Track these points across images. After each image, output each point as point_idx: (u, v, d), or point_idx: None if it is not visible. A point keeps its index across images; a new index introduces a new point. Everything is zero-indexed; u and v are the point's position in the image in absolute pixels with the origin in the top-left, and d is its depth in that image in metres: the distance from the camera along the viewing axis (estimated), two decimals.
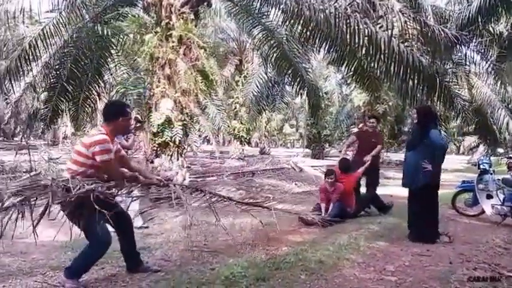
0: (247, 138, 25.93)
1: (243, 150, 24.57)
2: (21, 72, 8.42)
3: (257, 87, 14.30)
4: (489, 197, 7.28)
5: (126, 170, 3.91)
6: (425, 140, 5.65)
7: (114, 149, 3.75)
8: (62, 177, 3.62)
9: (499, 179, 7.35)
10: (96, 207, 3.28)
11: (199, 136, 21.85)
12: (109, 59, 9.79)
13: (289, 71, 10.73)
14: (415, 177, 5.71)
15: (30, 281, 3.79)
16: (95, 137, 3.60)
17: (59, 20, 8.40)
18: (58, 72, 9.37)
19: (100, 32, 8.72)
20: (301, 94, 11.77)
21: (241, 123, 23.61)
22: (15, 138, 28.40)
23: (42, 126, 10.29)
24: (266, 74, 13.46)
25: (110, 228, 3.79)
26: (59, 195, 3.29)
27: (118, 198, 4.12)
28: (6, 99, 14.32)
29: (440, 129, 6.26)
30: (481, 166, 7.67)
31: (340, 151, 33.18)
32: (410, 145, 6.10)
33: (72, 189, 3.29)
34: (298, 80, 10.92)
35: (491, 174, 7.48)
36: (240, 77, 23.02)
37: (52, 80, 9.57)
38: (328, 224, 6.61)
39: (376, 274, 4.16)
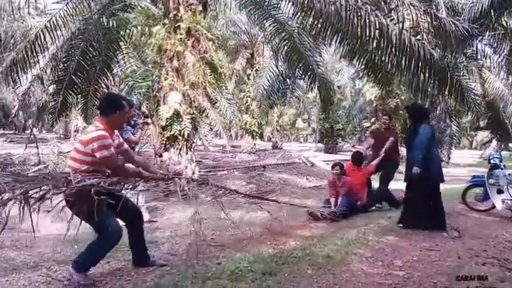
0: (259, 132, 25.88)
1: (254, 144, 24.52)
2: (28, 64, 8.40)
3: (268, 80, 14.20)
4: (500, 191, 7.22)
5: (129, 165, 3.88)
6: (417, 136, 5.96)
7: (115, 143, 3.70)
8: (65, 172, 3.60)
9: (509, 174, 7.27)
10: (102, 200, 3.23)
11: (211, 130, 21.88)
12: (117, 51, 9.75)
13: (300, 64, 10.63)
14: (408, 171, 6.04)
15: (35, 275, 3.78)
16: (92, 134, 3.52)
17: (66, 11, 8.34)
18: (66, 65, 9.35)
19: (108, 24, 8.70)
20: (312, 88, 11.68)
21: (253, 117, 23.56)
22: (26, 132, 28.65)
23: (51, 119, 10.26)
24: (277, 67, 13.36)
25: (121, 222, 3.78)
26: (59, 186, 3.23)
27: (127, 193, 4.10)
28: (14, 91, 14.42)
29: (429, 125, 6.29)
30: (492, 161, 7.63)
31: (353, 146, 33.23)
32: (407, 143, 6.35)
33: (72, 181, 3.23)
34: (309, 73, 10.82)
35: (502, 169, 7.41)
36: (251, 70, 22.91)
37: (60, 73, 9.55)
38: (337, 219, 6.59)
39: (384, 269, 4.12)
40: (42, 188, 3.12)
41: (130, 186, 3.77)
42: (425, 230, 5.84)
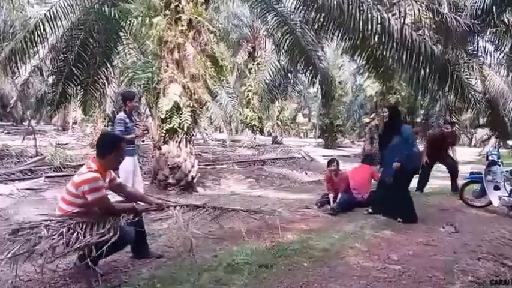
0: (260, 126, 25.87)
1: (254, 138, 24.52)
2: (27, 55, 8.34)
3: (269, 75, 14.20)
4: (497, 188, 7.26)
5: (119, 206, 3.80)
6: (400, 135, 6.39)
7: (106, 183, 3.68)
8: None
9: (507, 171, 7.30)
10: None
11: (211, 123, 21.84)
12: (117, 43, 9.69)
13: (302, 59, 10.61)
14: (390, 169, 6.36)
15: (29, 265, 3.76)
16: (83, 176, 3.49)
17: (66, 1, 8.26)
18: (65, 56, 9.30)
19: (108, 14, 8.64)
20: (313, 83, 11.66)
21: (254, 111, 23.54)
22: (24, 123, 28.63)
23: (49, 110, 10.21)
24: (279, 61, 13.35)
25: None
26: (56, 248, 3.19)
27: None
28: (13, 82, 14.37)
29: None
30: (490, 157, 7.68)
31: (353, 141, 33.04)
32: (384, 141, 6.83)
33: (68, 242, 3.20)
34: (310, 67, 10.80)
35: (499, 165, 7.45)
36: (253, 64, 22.85)
37: (59, 64, 9.51)
38: (335, 213, 6.65)
39: (380, 263, 4.14)
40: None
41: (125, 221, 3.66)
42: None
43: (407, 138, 6.37)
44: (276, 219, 6.01)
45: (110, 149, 3.66)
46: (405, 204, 6.37)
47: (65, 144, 16.26)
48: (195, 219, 4.32)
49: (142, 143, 12.19)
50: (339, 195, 7.11)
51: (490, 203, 7.46)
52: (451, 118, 15.92)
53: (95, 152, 3.74)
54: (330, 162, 7.48)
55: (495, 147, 10.94)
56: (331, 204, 6.98)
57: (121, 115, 6.56)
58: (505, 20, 9.77)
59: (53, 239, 3.11)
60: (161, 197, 5.08)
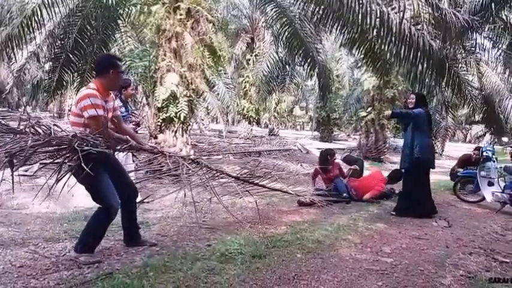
0: (256, 118, 25.84)
1: (251, 130, 24.51)
2: (24, 40, 8.25)
3: (268, 66, 14.12)
4: (490, 184, 7.35)
5: (114, 133, 3.71)
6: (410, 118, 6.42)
7: (109, 105, 3.64)
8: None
9: (501, 167, 7.36)
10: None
11: (208, 114, 21.80)
12: (115, 30, 9.60)
13: (300, 51, 10.55)
14: (409, 156, 6.30)
15: (21, 251, 3.79)
16: (81, 93, 3.46)
17: None
18: (63, 42, 9.20)
19: (106, 1, 8.57)
20: (311, 75, 11.63)
21: (251, 103, 23.49)
22: (19, 109, 28.49)
23: (46, 97, 10.12)
24: (277, 53, 13.28)
25: None
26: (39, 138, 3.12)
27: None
28: (9, 67, 14.28)
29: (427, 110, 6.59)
30: (484, 153, 7.73)
31: (349, 135, 33.01)
32: (404, 128, 6.80)
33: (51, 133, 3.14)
34: (309, 60, 10.75)
35: (493, 161, 7.51)
36: (251, 55, 22.76)
37: (56, 50, 9.41)
38: (331, 203, 6.68)
39: (372, 255, 4.17)
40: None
41: (116, 150, 3.66)
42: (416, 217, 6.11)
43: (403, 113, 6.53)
44: (270, 210, 6.11)
45: (107, 67, 3.60)
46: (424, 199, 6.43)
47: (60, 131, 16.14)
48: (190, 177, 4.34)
49: (137, 133, 12.12)
50: (335, 183, 7.28)
51: (484, 198, 7.54)
52: (447, 114, 15.97)
53: (95, 73, 3.74)
54: (328, 155, 7.72)
55: (490, 144, 11.00)
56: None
57: (116, 102, 6.52)
58: (503, 16, 9.77)
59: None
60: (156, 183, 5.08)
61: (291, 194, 5.93)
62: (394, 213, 6.36)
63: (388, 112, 6.90)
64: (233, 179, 4.92)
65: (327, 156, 7.79)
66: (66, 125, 3.59)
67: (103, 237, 3.79)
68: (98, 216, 3.63)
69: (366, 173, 8.88)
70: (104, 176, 3.52)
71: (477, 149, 9.52)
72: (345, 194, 7.27)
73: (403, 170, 6.65)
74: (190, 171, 4.22)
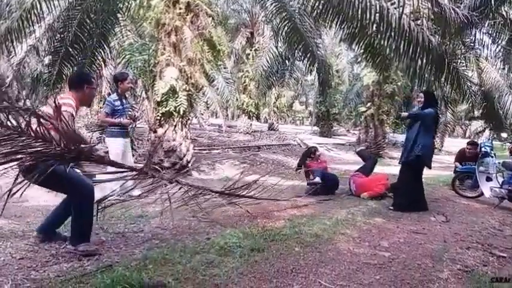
0: (256, 113, 25.84)
1: (251, 125, 24.51)
2: (23, 34, 8.23)
3: (267, 61, 14.12)
4: (488, 179, 7.38)
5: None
6: (419, 117, 6.40)
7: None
8: None
9: (499, 162, 7.38)
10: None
11: (207, 108, 21.79)
12: (115, 24, 9.57)
13: (300, 46, 10.54)
14: (410, 151, 6.33)
15: (22, 243, 3.82)
16: (63, 99, 3.54)
17: None
18: (62, 36, 9.16)
19: None
20: (311, 70, 11.63)
21: (250, 97, 23.48)
22: (19, 103, 28.44)
23: (45, 91, 10.09)
24: (277, 48, 13.27)
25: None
26: None
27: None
28: (9, 61, 14.25)
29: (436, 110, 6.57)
30: (483, 149, 7.76)
31: (348, 130, 32.97)
32: (410, 125, 6.65)
33: None
34: (308, 55, 10.74)
35: (492, 157, 7.53)
36: (250, 50, 22.70)
37: (56, 44, 9.38)
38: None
39: (370, 249, 4.20)
40: None
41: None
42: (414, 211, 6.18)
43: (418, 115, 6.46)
44: (269, 204, 6.12)
45: (82, 83, 3.76)
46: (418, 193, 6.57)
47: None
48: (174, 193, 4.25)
49: (136, 127, 12.14)
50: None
51: (482, 193, 7.57)
52: (447, 110, 15.99)
53: (69, 86, 3.86)
54: (310, 152, 8.41)
55: (489, 139, 11.02)
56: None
57: (111, 97, 6.54)
58: (503, 12, 9.76)
59: None
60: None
61: (279, 200, 5.92)
62: (392, 208, 6.40)
63: (405, 114, 6.99)
64: (216, 194, 4.93)
65: (310, 154, 8.42)
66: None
67: (93, 220, 3.70)
68: (79, 205, 3.58)
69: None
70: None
71: (470, 143, 9.50)
72: (317, 178, 7.55)
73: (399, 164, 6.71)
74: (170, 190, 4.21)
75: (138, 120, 8.46)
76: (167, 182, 4.06)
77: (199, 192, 4.59)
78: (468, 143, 9.60)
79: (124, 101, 6.61)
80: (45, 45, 10.68)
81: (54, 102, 3.14)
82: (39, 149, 3.03)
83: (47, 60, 11.02)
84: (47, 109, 3.40)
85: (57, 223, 3.96)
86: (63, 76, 9.66)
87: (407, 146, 6.46)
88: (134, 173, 3.95)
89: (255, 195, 5.31)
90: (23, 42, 9.53)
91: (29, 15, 7.91)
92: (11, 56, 11.68)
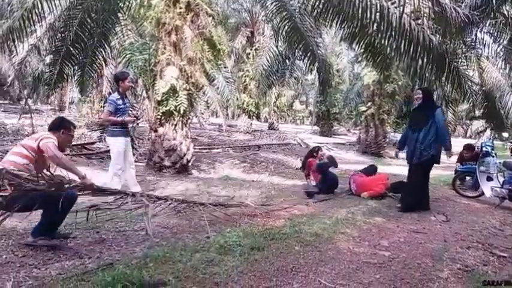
0: (256, 112, 25.83)
1: (251, 124, 24.51)
2: (24, 33, 8.23)
3: (268, 60, 14.11)
4: (489, 179, 7.36)
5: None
6: (432, 120, 6.19)
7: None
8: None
9: (500, 162, 7.37)
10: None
11: (207, 108, 21.80)
12: (115, 23, 9.59)
13: (300, 45, 10.52)
14: (423, 152, 6.20)
15: (24, 241, 3.81)
16: (42, 134, 3.91)
17: None
18: (63, 35, 9.17)
19: None
20: (311, 70, 11.62)
21: (251, 97, 23.48)
22: (20, 102, 28.50)
23: (47, 90, 10.11)
24: (277, 47, 13.26)
25: None
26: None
27: None
28: (10, 60, 14.30)
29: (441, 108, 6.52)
30: (484, 148, 7.75)
31: (349, 130, 32.88)
32: (416, 126, 6.43)
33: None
34: (309, 54, 10.73)
35: (493, 156, 7.52)
36: (251, 49, 22.70)
37: (57, 43, 9.39)
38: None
39: (370, 248, 4.20)
40: None
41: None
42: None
43: (439, 121, 6.24)
44: (268, 204, 6.13)
45: (59, 127, 4.04)
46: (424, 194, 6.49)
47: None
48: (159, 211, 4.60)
49: (137, 126, 12.17)
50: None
51: (483, 193, 7.55)
52: (447, 109, 15.98)
53: (49, 128, 4.11)
54: (314, 151, 8.49)
55: (489, 139, 11.02)
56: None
57: (113, 96, 6.54)
58: (505, 12, 9.74)
59: None
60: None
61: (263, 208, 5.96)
62: (399, 207, 6.38)
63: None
64: (203, 207, 5.07)
65: (313, 153, 8.50)
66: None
67: (58, 221, 3.85)
68: (49, 207, 3.64)
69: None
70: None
71: (466, 147, 9.46)
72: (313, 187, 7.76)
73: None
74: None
75: (140, 119, 8.48)
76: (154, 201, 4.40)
77: (189, 206, 5.01)
78: (464, 147, 9.55)
79: (125, 99, 6.64)
80: (46, 45, 10.71)
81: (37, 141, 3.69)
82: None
83: (48, 59, 11.05)
84: (29, 142, 3.77)
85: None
86: (64, 75, 9.69)
87: (416, 147, 6.30)
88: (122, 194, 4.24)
89: (245, 203, 5.45)
90: (25, 42, 9.54)
91: (30, 15, 7.92)
92: (12, 55, 11.69)
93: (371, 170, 8.23)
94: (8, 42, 8.19)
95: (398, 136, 25.52)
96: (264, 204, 6.12)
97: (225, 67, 16.68)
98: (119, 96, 6.48)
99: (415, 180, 6.44)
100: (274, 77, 14.96)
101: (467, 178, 8.47)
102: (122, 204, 4.20)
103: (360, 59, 16.78)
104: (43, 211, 3.71)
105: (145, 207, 4.20)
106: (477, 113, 17.49)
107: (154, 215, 4.53)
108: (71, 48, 9.21)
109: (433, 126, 6.19)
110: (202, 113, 24.16)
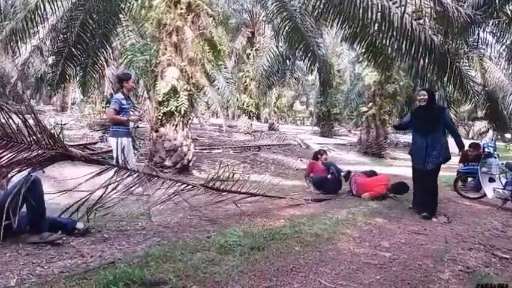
0: (256, 113, 25.82)
1: (251, 125, 24.49)
2: (27, 34, 8.27)
3: (268, 61, 14.12)
4: (491, 180, 7.32)
5: None
6: (442, 121, 6.08)
7: None
8: None
9: (502, 163, 7.35)
10: None
11: (208, 108, 21.81)
12: (117, 24, 9.62)
13: (301, 45, 10.53)
14: (438, 157, 6.03)
15: (27, 240, 3.83)
16: None
17: None
18: (65, 36, 9.23)
19: None
20: (312, 70, 11.63)
21: (251, 97, 23.47)
22: (23, 102, 28.55)
23: (49, 90, 10.17)
24: (278, 47, 13.28)
25: None
26: None
27: None
28: (13, 61, 14.35)
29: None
30: (486, 149, 7.72)
31: (349, 130, 32.83)
32: (426, 130, 6.16)
33: None
34: (309, 54, 10.73)
35: (495, 158, 7.49)
36: (251, 50, 22.69)
37: (59, 44, 9.45)
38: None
39: (370, 249, 4.19)
40: None
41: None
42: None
43: (448, 123, 6.14)
44: (270, 203, 6.13)
45: None
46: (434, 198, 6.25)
47: (63, 124, 16.26)
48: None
49: (138, 127, 12.19)
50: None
51: (485, 194, 7.51)
52: (449, 110, 15.93)
53: None
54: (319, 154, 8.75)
55: (492, 140, 11.01)
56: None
57: (118, 96, 6.57)
58: (508, 11, 9.70)
59: None
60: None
61: (267, 196, 5.94)
62: (426, 215, 5.98)
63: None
64: (202, 188, 5.07)
65: (317, 155, 8.78)
66: None
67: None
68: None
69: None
70: None
71: (472, 146, 9.46)
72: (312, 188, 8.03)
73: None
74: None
75: (142, 119, 8.50)
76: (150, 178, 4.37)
77: (185, 188, 4.89)
78: (470, 145, 9.55)
79: (128, 100, 6.68)
80: (48, 46, 10.75)
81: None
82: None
83: (50, 60, 11.08)
84: None
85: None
86: (66, 76, 9.73)
87: (428, 152, 6.04)
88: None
89: (250, 191, 5.41)
90: (27, 43, 9.57)
91: (33, 16, 7.97)
92: (15, 57, 11.73)
93: (370, 175, 8.22)
94: (11, 44, 8.24)
95: (399, 137, 25.56)
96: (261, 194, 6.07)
97: (225, 68, 16.67)
98: (123, 97, 6.52)
99: (433, 185, 6.20)
100: (275, 78, 14.98)
101: (469, 179, 8.45)
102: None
103: (361, 59, 16.79)
104: (26, 209, 3.74)
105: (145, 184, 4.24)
106: (479, 113, 17.46)
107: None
108: (73, 49, 9.26)
109: (441, 128, 6.09)
110: (203, 114, 24.18)
